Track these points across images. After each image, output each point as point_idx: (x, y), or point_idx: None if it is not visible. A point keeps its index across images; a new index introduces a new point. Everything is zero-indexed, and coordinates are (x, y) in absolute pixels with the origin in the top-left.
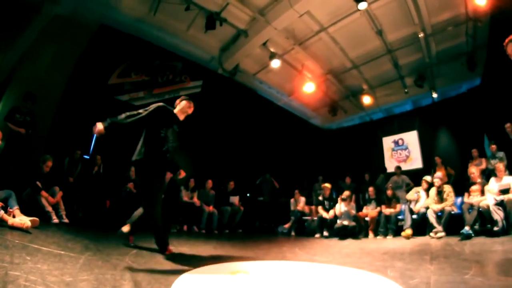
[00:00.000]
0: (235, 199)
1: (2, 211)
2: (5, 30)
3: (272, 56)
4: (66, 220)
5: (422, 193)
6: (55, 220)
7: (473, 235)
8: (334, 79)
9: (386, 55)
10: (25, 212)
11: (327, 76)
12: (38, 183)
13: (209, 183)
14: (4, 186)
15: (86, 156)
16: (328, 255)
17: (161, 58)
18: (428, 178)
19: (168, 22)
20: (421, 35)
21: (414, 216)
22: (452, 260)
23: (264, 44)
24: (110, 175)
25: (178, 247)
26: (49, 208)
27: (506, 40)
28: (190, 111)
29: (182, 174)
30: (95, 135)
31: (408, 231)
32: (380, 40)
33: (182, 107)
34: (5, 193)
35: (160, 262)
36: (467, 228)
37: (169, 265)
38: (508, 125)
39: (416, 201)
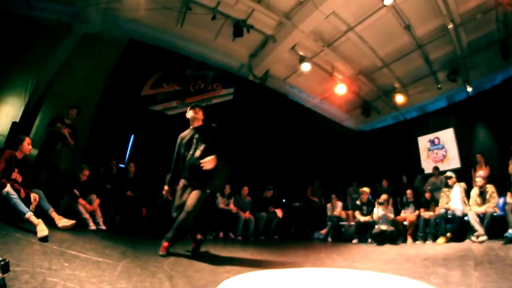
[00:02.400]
0: (278, 211)
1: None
2: (40, 49)
3: (302, 59)
4: (103, 227)
5: (455, 191)
6: (92, 227)
7: None
8: (365, 79)
9: (416, 50)
10: None
11: (358, 76)
12: (75, 191)
13: (245, 189)
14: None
15: (121, 165)
16: (368, 262)
17: (191, 68)
18: (449, 173)
19: (195, 33)
20: (450, 26)
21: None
22: (497, 265)
23: (293, 48)
24: (146, 183)
25: (214, 253)
26: (86, 215)
27: None
28: (196, 115)
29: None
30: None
31: (440, 240)
32: (408, 35)
33: (189, 117)
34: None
35: (199, 269)
36: (511, 231)
37: (208, 273)
38: None
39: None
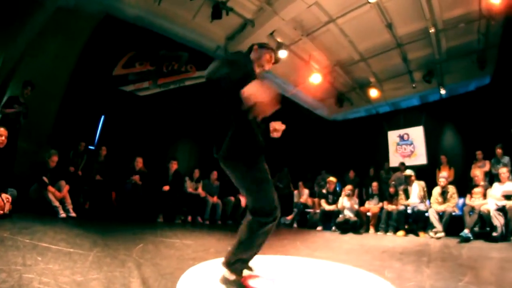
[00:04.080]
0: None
1: None
2: (8, 24)
3: (279, 46)
4: (73, 214)
5: (414, 189)
6: (63, 214)
7: (472, 238)
8: (342, 71)
9: (395, 49)
10: (33, 208)
11: (335, 67)
12: (44, 178)
13: (214, 174)
14: (9, 182)
15: (91, 147)
16: (328, 251)
17: (166, 48)
18: (409, 172)
19: (173, 11)
20: (432, 30)
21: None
22: (449, 263)
23: (271, 34)
24: (115, 166)
25: (183, 239)
26: (56, 203)
27: None
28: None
29: None
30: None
31: (400, 233)
32: (389, 33)
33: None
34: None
35: (166, 256)
36: (466, 231)
37: (174, 260)
38: None
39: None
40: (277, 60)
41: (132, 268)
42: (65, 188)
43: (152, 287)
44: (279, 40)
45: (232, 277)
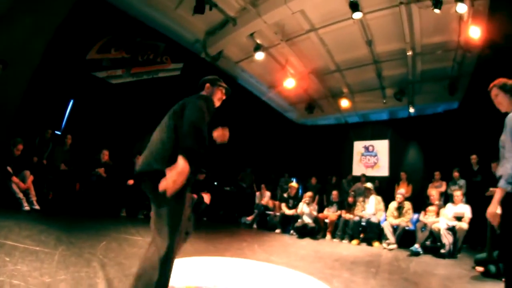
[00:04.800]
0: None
1: None
2: None
3: (258, 48)
4: (37, 207)
5: (371, 202)
6: (26, 207)
7: (421, 252)
8: (316, 79)
9: (371, 64)
10: None
11: (310, 74)
12: (8, 168)
13: None
14: None
15: (57, 132)
16: (284, 256)
17: (143, 36)
18: (369, 185)
19: None
20: (409, 53)
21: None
22: (395, 277)
23: (251, 35)
24: (81, 156)
25: (145, 237)
26: (20, 195)
27: (491, 85)
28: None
29: None
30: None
31: (354, 242)
32: (368, 49)
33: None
34: None
35: (129, 255)
36: (417, 245)
37: (137, 259)
38: (474, 156)
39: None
40: (228, 93)
41: (97, 268)
42: (30, 178)
43: None
44: (258, 41)
45: None
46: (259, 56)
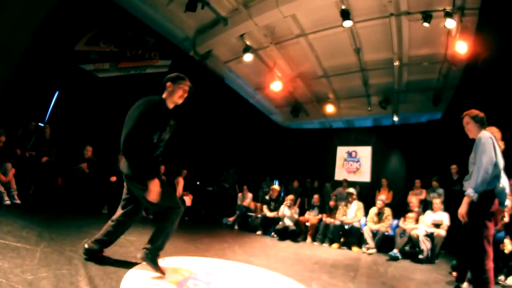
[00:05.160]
0: (187, 199)
1: None
2: None
3: (247, 49)
4: (18, 201)
5: (352, 207)
6: (7, 201)
7: (400, 257)
8: (303, 83)
9: (358, 72)
10: None
11: (297, 78)
12: None
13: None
14: None
15: (41, 124)
16: (264, 258)
17: (134, 30)
18: (351, 190)
19: None
20: (396, 63)
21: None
22: (372, 280)
23: (241, 36)
24: (64, 149)
25: (126, 235)
26: (1, 188)
27: (464, 113)
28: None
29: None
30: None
31: (334, 245)
32: (356, 57)
33: (180, 90)
34: None
35: (110, 253)
36: (395, 251)
37: (118, 257)
38: (454, 166)
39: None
40: (191, 91)
41: (78, 266)
42: (11, 171)
43: (98, 287)
44: (247, 43)
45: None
46: (248, 57)
